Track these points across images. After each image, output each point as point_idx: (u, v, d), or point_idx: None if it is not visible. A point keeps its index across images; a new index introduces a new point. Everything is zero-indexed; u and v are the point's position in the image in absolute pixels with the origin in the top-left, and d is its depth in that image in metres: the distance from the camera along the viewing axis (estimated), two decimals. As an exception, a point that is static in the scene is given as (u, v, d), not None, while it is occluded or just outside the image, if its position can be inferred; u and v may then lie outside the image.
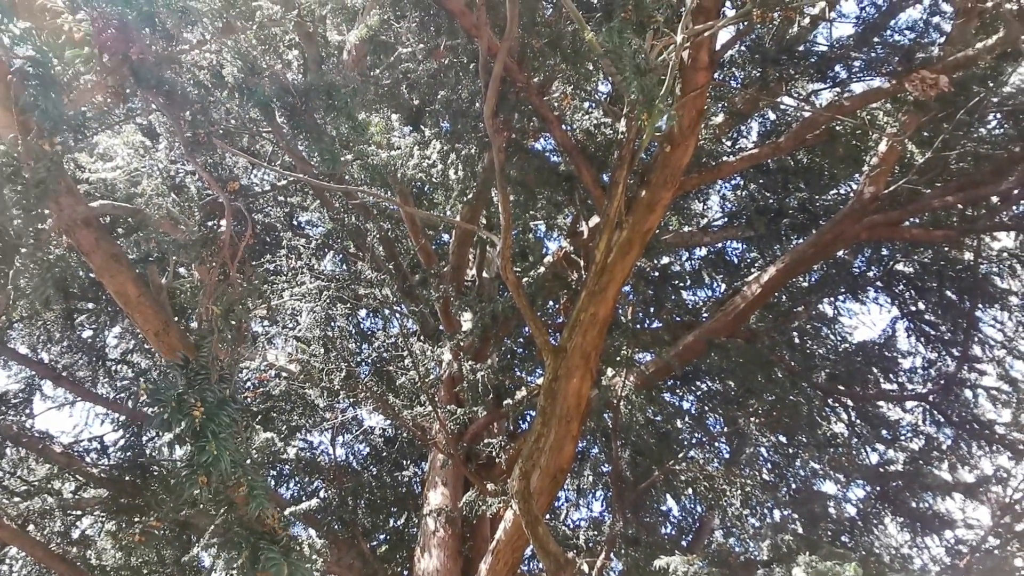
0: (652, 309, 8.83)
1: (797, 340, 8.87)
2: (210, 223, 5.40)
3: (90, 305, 8.23)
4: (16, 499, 7.56)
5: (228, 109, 4.46)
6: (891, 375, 8.60)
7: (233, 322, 3.65)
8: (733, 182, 9.32)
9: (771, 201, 8.73)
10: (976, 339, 8.35)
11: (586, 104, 5.81)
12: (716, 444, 8.69)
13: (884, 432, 8.70)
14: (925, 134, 6.88)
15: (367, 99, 4.60)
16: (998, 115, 7.44)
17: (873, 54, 6.64)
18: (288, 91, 3.79)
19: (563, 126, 5.59)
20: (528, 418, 8.12)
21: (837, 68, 6.72)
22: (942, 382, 8.37)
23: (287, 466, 8.21)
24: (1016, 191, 6.95)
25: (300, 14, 4.44)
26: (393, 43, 5.66)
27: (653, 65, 3.24)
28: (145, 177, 4.43)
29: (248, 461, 3.17)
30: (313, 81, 3.82)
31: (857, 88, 6.85)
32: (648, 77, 3.04)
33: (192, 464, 2.90)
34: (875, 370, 8.58)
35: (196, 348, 3.59)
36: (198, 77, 3.97)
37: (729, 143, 8.24)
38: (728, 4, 5.85)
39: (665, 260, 9.23)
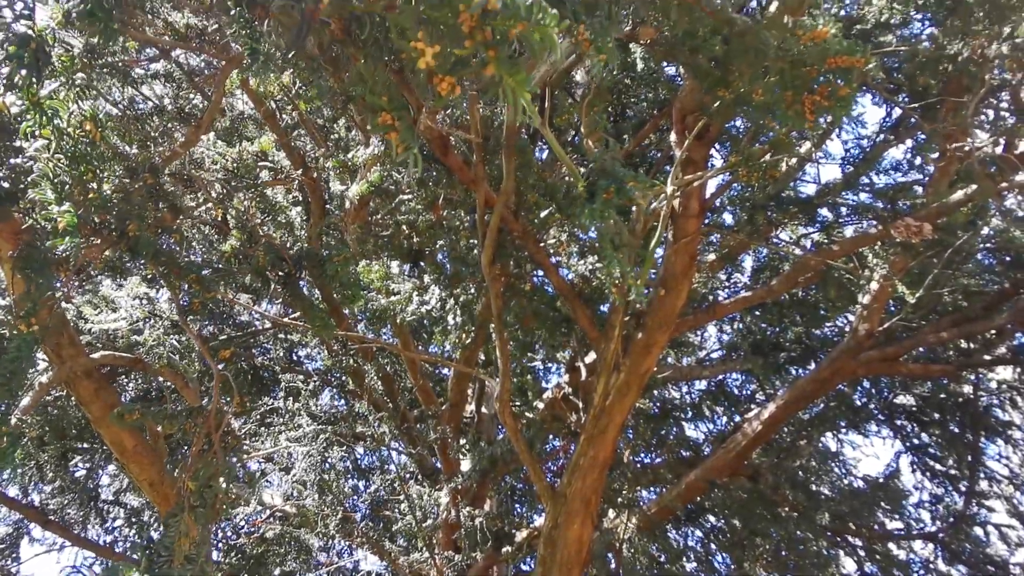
0: (654, 442, 8.73)
1: (801, 475, 8.72)
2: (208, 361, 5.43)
3: (84, 445, 8.13)
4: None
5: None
6: (898, 513, 8.41)
7: (207, 497, 3.58)
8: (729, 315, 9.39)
9: (768, 334, 8.79)
10: (982, 474, 8.22)
11: (582, 248, 5.95)
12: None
13: (896, 572, 8.43)
14: (916, 271, 7.00)
15: (367, 249, 4.73)
16: (985, 250, 7.58)
17: (860, 196, 6.86)
18: (283, 259, 3.92)
19: (560, 271, 5.72)
20: (528, 561, 7.88)
21: (825, 211, 6.92)
22: (951, 519, 8.18)
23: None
24: (1010, 325, 7.01)
25: (306, 170, 4.63)
26: (394, 191, 5.85)
27: (628, 241, 3.36)
28: (148, 327, 4.49)
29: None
30: (306, 251, 3.95)
31: (846, 230, 7.03)
32: (623, 251, 3.15)
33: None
34: (882, 506, 8.40)
35: (164, 526, 3.52)
36: (197, 240, 4.10)
37: (723, 275, 8.37)
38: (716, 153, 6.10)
39: (665, 394, 9.20)
